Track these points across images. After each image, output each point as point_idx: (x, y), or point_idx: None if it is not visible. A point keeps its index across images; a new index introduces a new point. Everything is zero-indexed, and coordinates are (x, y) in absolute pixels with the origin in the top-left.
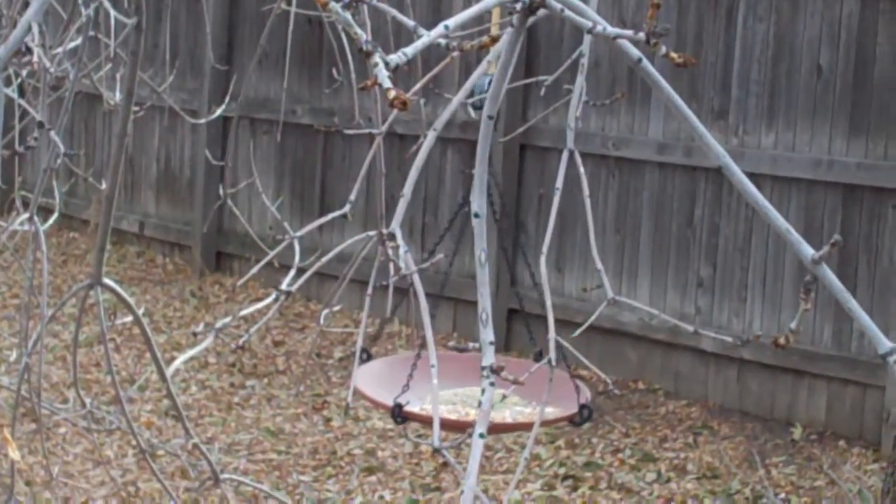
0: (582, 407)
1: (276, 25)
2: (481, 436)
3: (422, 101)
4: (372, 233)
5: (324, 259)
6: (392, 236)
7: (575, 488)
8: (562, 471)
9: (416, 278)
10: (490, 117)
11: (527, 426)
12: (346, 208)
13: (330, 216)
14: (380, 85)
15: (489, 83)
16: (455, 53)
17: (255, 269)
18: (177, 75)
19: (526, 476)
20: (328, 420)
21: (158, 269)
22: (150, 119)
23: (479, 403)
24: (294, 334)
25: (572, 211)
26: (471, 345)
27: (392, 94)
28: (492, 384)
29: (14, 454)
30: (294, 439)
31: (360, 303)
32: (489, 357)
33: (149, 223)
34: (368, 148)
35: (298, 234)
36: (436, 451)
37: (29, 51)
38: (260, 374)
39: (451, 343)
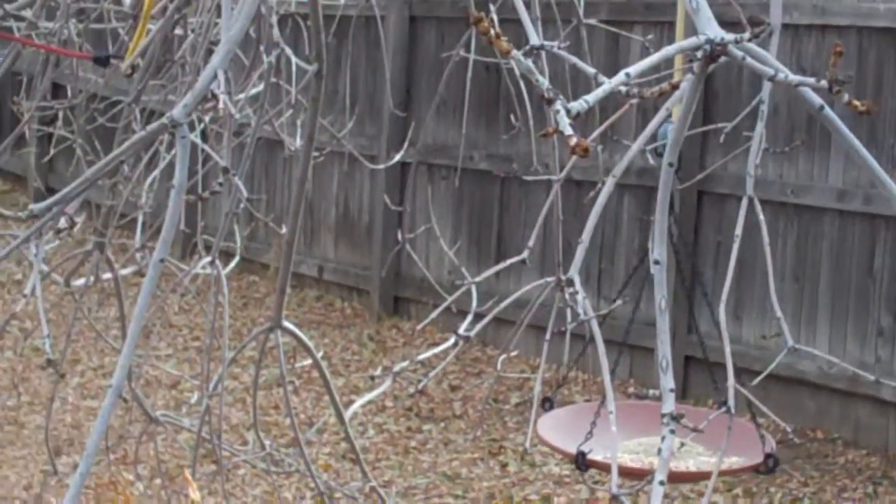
0: (767, 456)
1: (453, 72)
2: (661, 483)
3: (599, 148)
4: (550, 279)
5: (501, 305)
6: (570, 282)
7: None
8: None
9: (595, 324)
10: (670, 164)
11: (709, 476)
12: (524, 254)
13: (508, 262)
14: (560, 132)
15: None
16: (635, 101)
17: (433, 315)
18: (356, 121)
19: None
20: (504, 465)
21: (337, 312)
22: (329, 164)
23: (659, 451)
24: (471, 379)
25: (750, 258)
26: (651, 392)
27: (573, 140)
28: (672, 431)
29: (195, 495)
30: (470, 484)
31: (538, 348)
32: (669, 404)
33: (328, 267)
34: (546, 194)
35: (476, 279)
36: (614, 497)
37: (214, 97)
38: (437, 419)
39: (631, 390)
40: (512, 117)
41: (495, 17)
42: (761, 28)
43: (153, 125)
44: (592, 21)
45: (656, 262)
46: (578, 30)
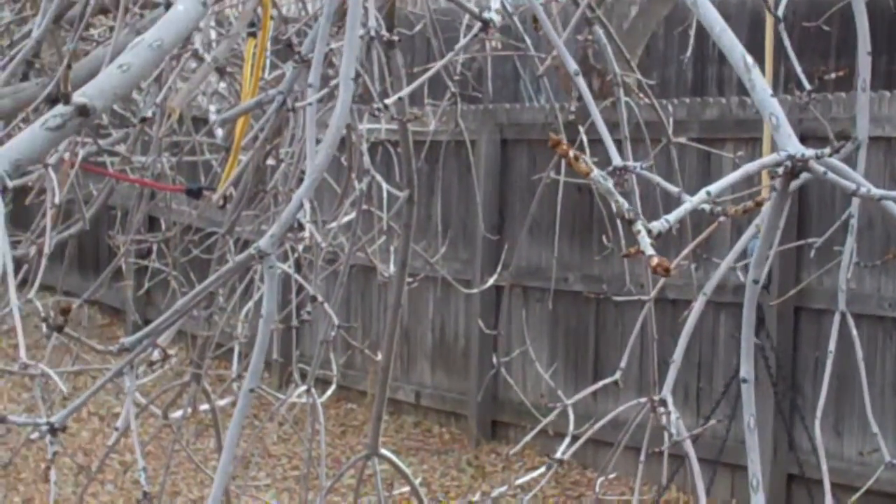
0: None
1: (546, 194)
2: None
3: (692, 266)
4: (643, 399)
5: (595, 426)
6: (664, 402)
7: None
8: None
9: (689, 445)
10: (755, 281)
11: None
12: (617, 375)
13: (601, 384)
14: (643, 252)
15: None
16: (722, 218)
17: (527, 438)
18: (449, 246)
19: None
20: None
21: (435, 438)
22: (424, 290)
23: None
24: (571, 503)
25: (850, 373)
26: None
27: (655, 261)
28: None
29: None
30: None
31: (636, 470)
32: None
33: (424, 393)
34: (640, 314)
35: (571, 401)
36: None
37: (301, 227)
38: None
39: None
40: (604, 238)
41: (585, 139)
42: (843, 143)
43: (241, 256)
44: (682, 139)
45: (744, 381)
46: (668, 148)
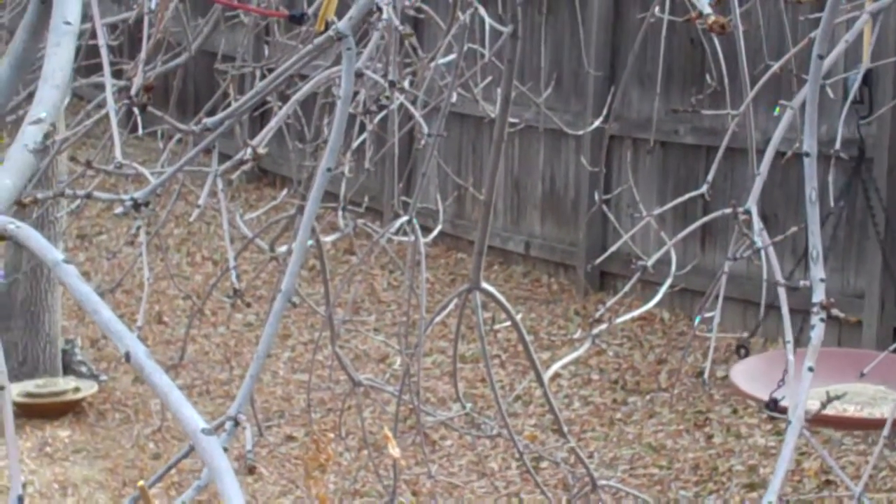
0: None
1: (657, 46)
2: (810, 369)
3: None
4: (728, 210)
5: (681, 271)
6: (748, 213)
7: None
8: None
9: (771, 252)
10: (820, 56)
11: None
12: (704, 188)
13: (687, 196)
14: (701, 13)
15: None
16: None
17: (631, 282)
18: (560, 98)
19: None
20: (710, 437)
21: (543, 288)
22: (534, 140)
23: (810, 339)
24: (677, 353)
25: None
26: (801, 282)
27: (711, 19)
28: (822, 320)
29: (394, 451)
30: (675, 455)
31: (742, 321)
32: (819, 294)
33: (534, 243)
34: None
35: (672, 241)
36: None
37: (379, 9)
38: (642, 391)
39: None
40: (707, 77)
41: None
42: None
43: (320, 38)
44: None
45: (806, 155)
46: None
